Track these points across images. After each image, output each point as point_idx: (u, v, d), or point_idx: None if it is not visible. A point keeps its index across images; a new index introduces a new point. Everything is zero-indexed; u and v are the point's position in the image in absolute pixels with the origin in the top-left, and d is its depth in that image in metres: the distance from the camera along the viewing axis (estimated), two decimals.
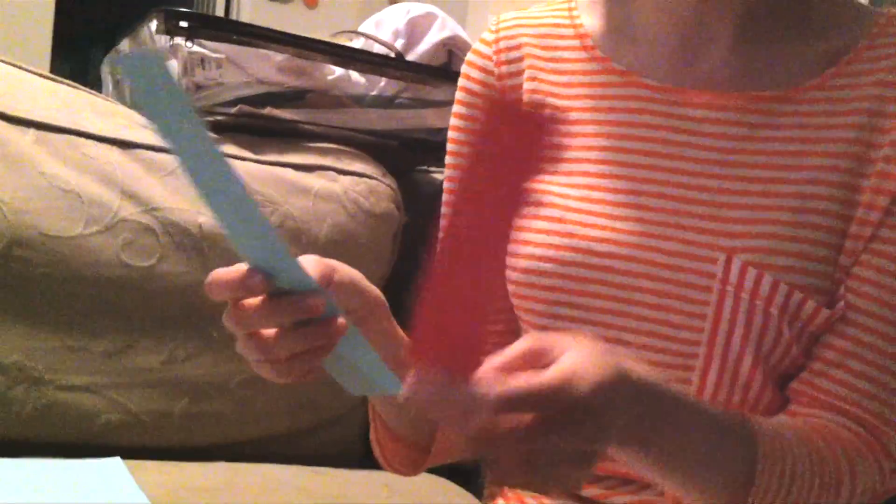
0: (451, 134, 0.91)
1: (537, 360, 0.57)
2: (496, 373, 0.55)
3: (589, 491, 0.81)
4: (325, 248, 1.20)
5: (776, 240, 0.74)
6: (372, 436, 0.85)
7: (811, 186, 0.75)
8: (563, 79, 0.85)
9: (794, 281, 0.73)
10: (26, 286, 1.03)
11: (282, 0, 5.39)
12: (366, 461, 1.21)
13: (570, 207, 0.80)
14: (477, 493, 1.07)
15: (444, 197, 0.91)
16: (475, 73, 0.89)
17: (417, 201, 1.32)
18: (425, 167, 1.44)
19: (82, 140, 1.10)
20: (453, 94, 0.92)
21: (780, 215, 0.74)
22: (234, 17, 5.19)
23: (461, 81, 0.91)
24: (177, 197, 1.12)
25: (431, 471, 1.16)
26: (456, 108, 0.91)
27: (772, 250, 0.73)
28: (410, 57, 1.42)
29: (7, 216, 1.02)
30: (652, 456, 0.63)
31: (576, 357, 0.56)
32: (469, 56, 0.90)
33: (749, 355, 0.73)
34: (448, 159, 0.92)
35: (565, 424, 0.54)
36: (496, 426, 0.54)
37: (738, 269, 0.73)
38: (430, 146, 1.35)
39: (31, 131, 1.07)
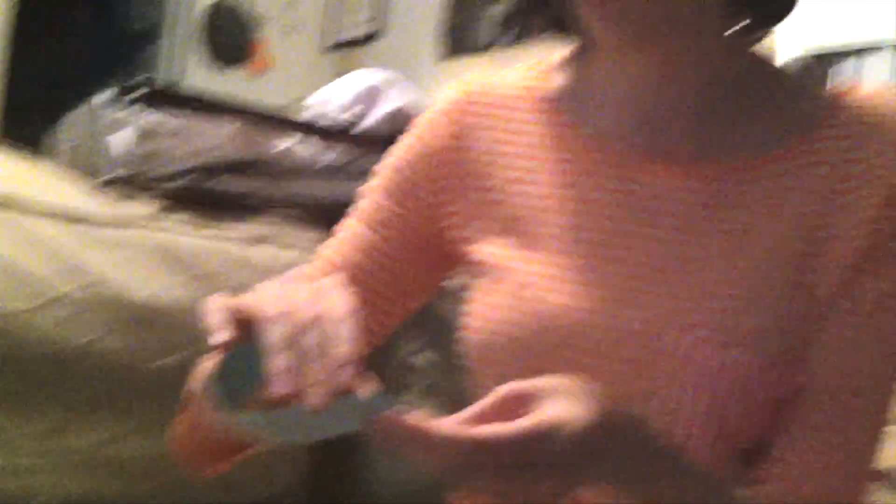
0: (386, 163, 0.90)
1: (515, 405, 0.58)
2: (472, 421, 0.58)
3: None
4: None
5: (733, 314, 0.73)
6: (183, 420, 0.81)
7: (768, 261, 0.75)
8: (527, 145, 0.84)
9: (752, 355, 0.72)
10: None
11: (229, 66, 5.41)
12: None
13: (532, 277, 0.79)
14: None
15: (355, 214, 0.90)
16: (431, 121, 0.88)
17: None
18: None
19: (25, 214, 1.08)
20: None
21: (738, 289, 0.74)
22: (181, 82, 5.20)
23: (416, 123, 0.90)
24: (120, 270, 1.10)
25: None
26: (401, 143, 0.90)
27: (729, 325, 0.73)
28: (365, 125, 1.42)
29: None
30: (634, 497, 0.63)
31: (556, 407, 0.58)
32: (433, 106, 0.90)
33: (707, 430, 0.73)
34: (375, 186, 0.90)
35: (539, 472, 0.56)
36: (470, 467, 0.56)
37: (692, 343, 0.72)
38: None
39: None
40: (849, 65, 5.86)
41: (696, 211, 0.77)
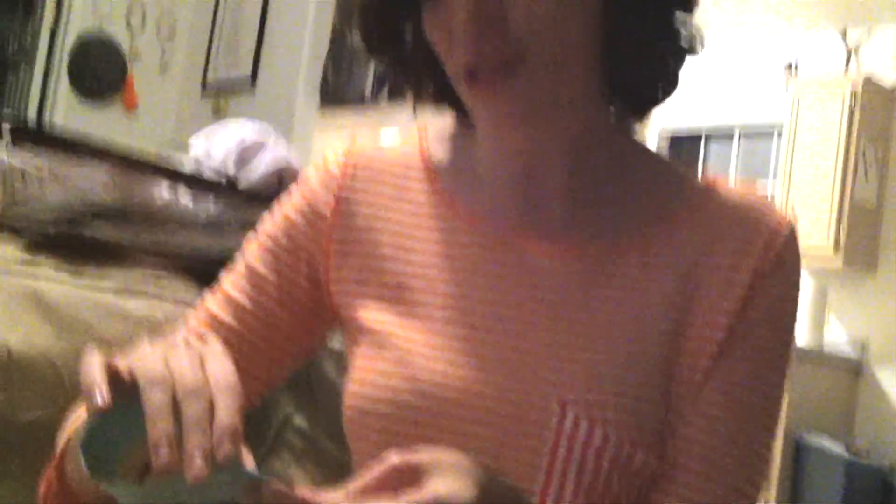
0: (265, 225, 0.89)
1: (401, 477, 0.60)
2: (361, 493, 0.59)
3: None
4: None
5: (607, 391, 0.76)
6: (51, 476, 0.78)
7: (638, 340, 0.78)
8: (410, 215, 0.85)
9: (624, 433, 0.75)
10: None
11: (99, 103, 5.27)
12: None
13: (412, 348, 0.80)
14: None
15: (230, 276, 0.89)
16: (315, 184, 0.88)
17: None
18: None
19: None
20: None
21: (610, 367, 0.77)
22: (47, 119, 5.04)
23: (299, 186, 0.89)
24: None
25: None
26: (282, 205, 0.89)
27: (603, 402, 0.76)
28: (242, 179, 1.41)
29: None
30: None
31: (442, 482, 0.59)
32: (317, 168, 0.89)
33: (580, 502, 0.75)
34: (251, 249, 0.89)
35: None
36: None
37: (571, 419, 0.75)
38: None
39: None
40: (698, 147, 6.17)
41: (570, 286, 0.80)
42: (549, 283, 0.81)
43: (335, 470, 1.22)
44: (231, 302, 0.88)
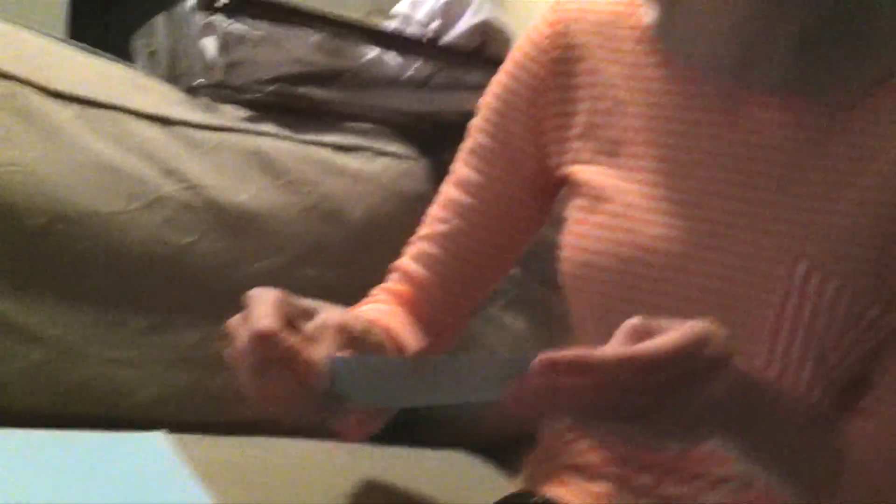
0: (485, 98, 0.91)
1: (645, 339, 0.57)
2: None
3: (639, 479, 0.81)
4: (359, 230, 1.20)
5: (840, 245, 0.73)
6: None
7: (873, 193, 0.74)
8: (625, 71, 0.83)
9: (858, 286, 0.72)
10: (67, 261, 1.04)
11: None
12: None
13: (631, 204, 0.79)
14: (511, 470, 1.08)
15: (461, 156, 0.92)
16: (529, 48, 0.88)
17: None
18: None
19: (123, 116, 1.11)
20: (487, 77, 0.92)
21: (843, 220, 0.74)
22: None
23: (512, 53, 0.90)
24: (217, 174, 1.13)
25: (467, 446, 1.17)
26: (499, 75, 0.90)
27: (836, 255, 0.73)
28: (446, 39, 1.41)
29: (48, 192, 1.03)
30: (744, 444, 0.64)
31: (695, 325, 0.57)
32: (527, 33, 0.89)
33: (810, 360, 0.73)
34: (476, 124, 0.91)
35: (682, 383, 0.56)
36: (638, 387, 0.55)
37: (803, 273, 0.73)
38: (464, 129, 1.35)
39: (73, 106, 1.08)
40: None
41: (796, 144, 0.76)
42: (774, 139, 0.77)
43: (546, 315, 1.25)
44: (464, 181, 0.90)
